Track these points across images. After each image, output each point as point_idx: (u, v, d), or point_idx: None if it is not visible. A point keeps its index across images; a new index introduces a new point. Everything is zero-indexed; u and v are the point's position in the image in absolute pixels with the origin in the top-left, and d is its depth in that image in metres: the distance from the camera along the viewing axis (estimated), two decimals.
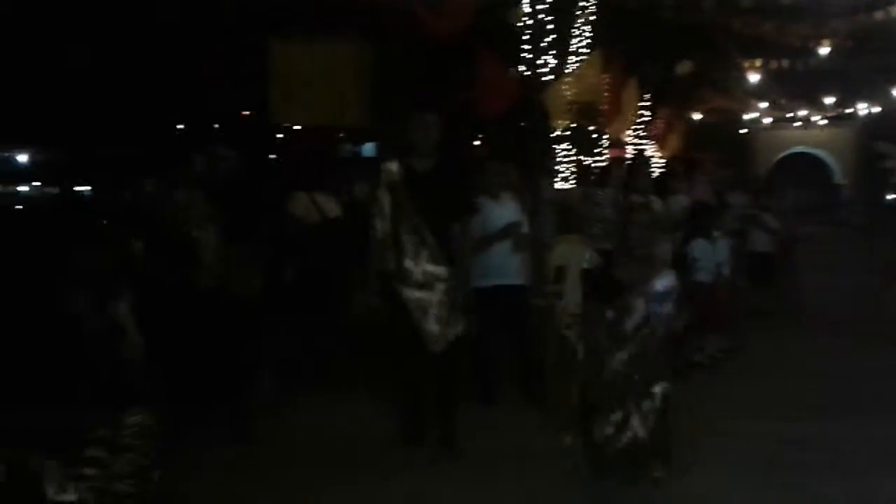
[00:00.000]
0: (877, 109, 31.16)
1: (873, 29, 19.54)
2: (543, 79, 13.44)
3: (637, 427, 3.99)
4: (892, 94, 28.91)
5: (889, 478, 4.47)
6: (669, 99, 20.86)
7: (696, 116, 26.51)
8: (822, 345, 8.34)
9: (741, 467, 4.68)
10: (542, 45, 13.58)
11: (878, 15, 18.58)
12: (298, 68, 7.72)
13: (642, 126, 18.86)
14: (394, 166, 4.82)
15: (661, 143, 20.53)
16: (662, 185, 8.31)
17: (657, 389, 4.06)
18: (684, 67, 19.28)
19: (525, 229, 6.07)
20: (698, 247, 7.27)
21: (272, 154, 15.19)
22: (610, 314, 4.22)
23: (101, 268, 4.92)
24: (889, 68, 24.50)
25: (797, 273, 11.27)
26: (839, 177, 37.66)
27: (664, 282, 4.40)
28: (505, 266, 5.87)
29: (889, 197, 27.26)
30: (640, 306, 4.21)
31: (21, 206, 16.52)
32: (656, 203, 6.86)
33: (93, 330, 4.83)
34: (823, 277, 12.65)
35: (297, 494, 4.39)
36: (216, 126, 15.40)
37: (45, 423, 4.16)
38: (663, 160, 18.77)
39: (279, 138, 15.11)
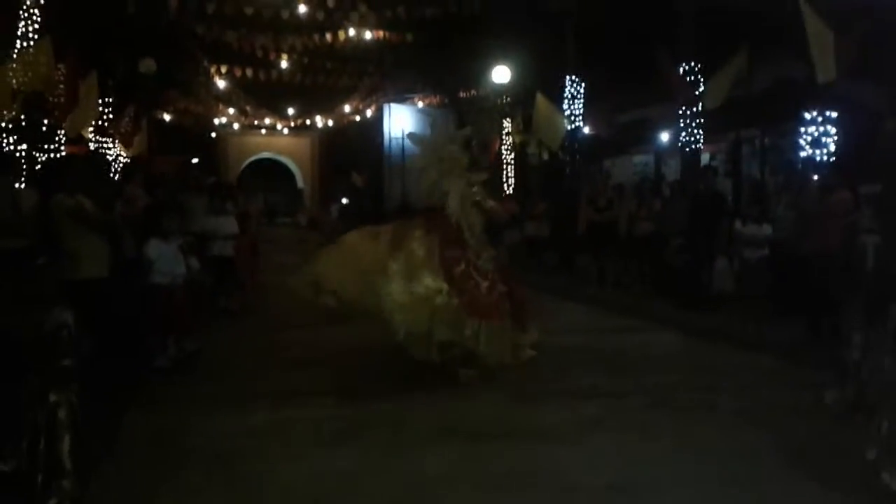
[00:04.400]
0: (330, 122, 34.58)
1: (324, 49, 21.64)
2: None
3: None
4: (343, 110, 32.40)
5: (334, 449, 4.91)
6: (135, 97, 20.18)
7: (165, 117, 26.15)
8: (277, 340, 8.84)
9: (203, 461, 4.75)
10: None
11: (328, 36, 20.61)
12: None
13: (106, 123, 17.87)
14: None
15: (126, 141, 19.74)
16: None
17: None
18: (148, 65, 18.82)
19: None
20: (153, 247, 7.10)
21: None
22: None
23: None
24: (338, 87, 27.26)
25: (258, 274, 11.91)
26: (300, 181, 40.94)
27: None
28: None
29: (344, 201, 30.58)
30: None
31: None
32: (87, 202, 6.49)
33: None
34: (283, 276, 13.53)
35: None
36: None
37: None
38: (129, 159, 18.07)
39: None
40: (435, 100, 25.69)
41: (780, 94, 12.81)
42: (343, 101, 31.14)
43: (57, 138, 13.86)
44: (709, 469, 4.60)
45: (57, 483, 3.99)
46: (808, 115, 11.25)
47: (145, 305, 7.17)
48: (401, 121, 27.44)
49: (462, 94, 23.33)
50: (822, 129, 11.14)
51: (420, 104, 27.23)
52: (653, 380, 6.71)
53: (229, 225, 10.13)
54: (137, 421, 5.63)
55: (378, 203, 26.44)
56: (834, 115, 11.03)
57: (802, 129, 11.38)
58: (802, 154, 11.43)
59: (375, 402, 6.04)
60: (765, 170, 14.42)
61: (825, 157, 11.03)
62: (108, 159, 15.16)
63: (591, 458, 4.79)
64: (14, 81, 11.81)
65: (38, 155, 12.73)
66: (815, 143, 11.16)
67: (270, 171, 40.28)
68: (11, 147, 12.17)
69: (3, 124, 12.13)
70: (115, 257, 7.02)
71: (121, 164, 16.85)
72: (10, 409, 4.09)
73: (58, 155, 13.22)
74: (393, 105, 28.43)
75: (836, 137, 11.03)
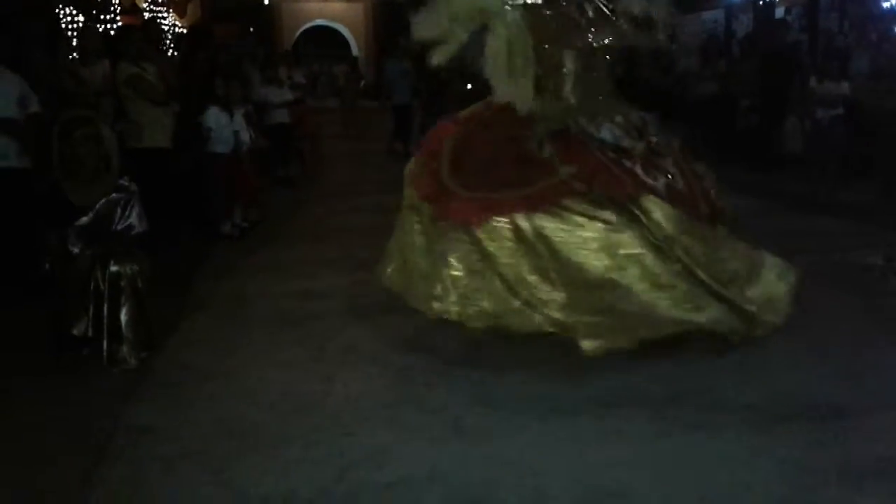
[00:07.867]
0: None
1: None
2: None
3: None
4: None
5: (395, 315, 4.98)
6: None
7: None
8: (338, 207, 8.90)
9: (270, 322, 4.96)
10: None
11: None
12: None
13: None
14: None
15: (179, 10, 19.47)
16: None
17: None
18: None
19: None
20: (211, 116, 7.08)
21: None
22: None
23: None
24: None
25: (314, 142, 11.92)
26: (355, 49, 40.15)
27: None
28: None
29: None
30: None
31: None
32: (150, 70, 6.45)
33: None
34: (343, 145, 13.57)
35: None
36: None
37: None
38: (183, 29, 17.88)
39: None
40: None
41: None
42: None
43: (112, 8, 13.73)
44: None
45: (118, 347, 4.18)
46: None
47: (207, 174, 7.24)
48: None
49: None
50: None
51: None
52: None
53: (284, 93, 10.09)
54: (205, 286, 5.80)
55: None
56: None
57: None
58: (886, 4, 10.67)
59: None
60: (844, 23, 13.54)
61: None
62: (163, 28, 14.97)
63: None
64: None
65: (95, 25, 12.64)
66: None
67: (325, 40, 39.57)
68: (69, 18, 12.11)
69: None
70: (179, 127, 7.05)
71: (176, 33, 16.71)
72: (78, 275, 4.23)
73: (114, 25, 13.13)
74: None
75: None
